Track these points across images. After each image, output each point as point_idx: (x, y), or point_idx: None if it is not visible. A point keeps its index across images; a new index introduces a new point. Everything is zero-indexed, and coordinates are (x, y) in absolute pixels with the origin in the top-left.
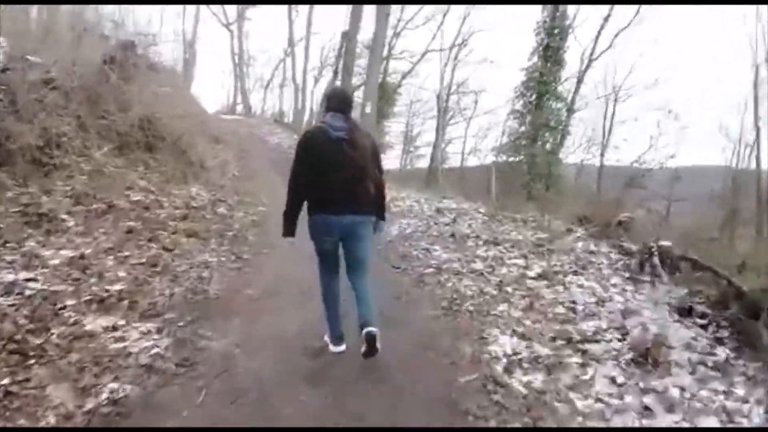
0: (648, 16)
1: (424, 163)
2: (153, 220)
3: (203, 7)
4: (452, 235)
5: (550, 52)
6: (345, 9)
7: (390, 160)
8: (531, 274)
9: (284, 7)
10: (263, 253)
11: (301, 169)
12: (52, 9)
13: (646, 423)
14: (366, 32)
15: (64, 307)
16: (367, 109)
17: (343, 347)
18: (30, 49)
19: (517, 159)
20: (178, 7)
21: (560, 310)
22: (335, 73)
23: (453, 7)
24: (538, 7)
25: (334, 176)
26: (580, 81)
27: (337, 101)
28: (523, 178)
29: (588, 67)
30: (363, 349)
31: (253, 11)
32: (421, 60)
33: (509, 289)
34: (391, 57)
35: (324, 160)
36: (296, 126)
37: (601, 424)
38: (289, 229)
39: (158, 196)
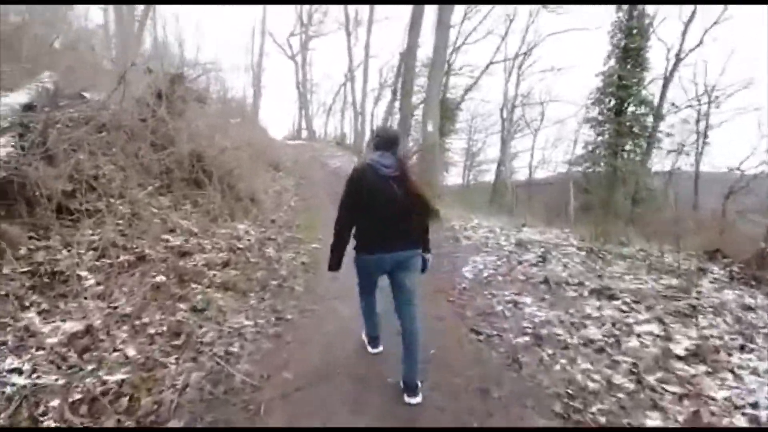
0: (737, 12)
1: (487, 177)
2: (188, 270)
3: (269, 40)
4: (545, 282)
5: (630, 53)
6: (403, 29)
7: (452, 177)
8: (677, 350)
9: (344, 35)
10: (310, 311)
11: (349, 204)
12: (130, 47)
13: None
14: (425, 50)
15: (46, 412)
16: (429, 127)
17: (380, 349)
18: (87, 85)
19: (596, 170)
20: (247, 42)
21: (742, 422)
22: (394, 93)
23: (517, 16)
24: (610, 9)
25: (384, 213)
26: (666, 83)
27: (386, 140)
28: (604, 192)
29: (675, 67)
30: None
31: (316, 42)
32: (483, 74)
33: (652, 380)
34: (450, 73)
35: (374, 196)
36: (357, 148)
37: None
38: (336, 264)
39: (200, 239)
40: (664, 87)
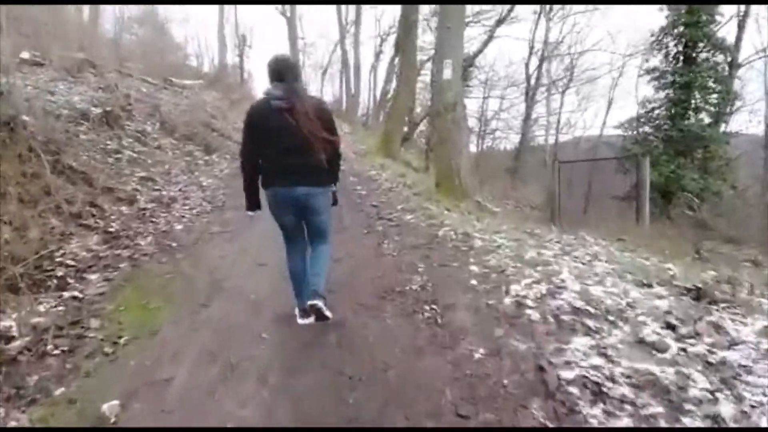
0: None
1: (503, 145)
2: None
3: None
4: None
5: None
6: None
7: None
8: None
9: None
10: None
11: (247, 142)
12: None
13: None
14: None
15: None
16: (446, 74)
17: (311, 320)
18: None
19: (658, 136)
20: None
21: None
22: (396, 47)
23: None
24: None
25: (279, 147)
26: (742, 24)
27: (276, 68)
28: (665, 167)
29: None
30: (311, 319)
31: None
32: (504, 21)
33: None
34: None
35: (267, 131)
36: (350, 115)
37: None
38: (251, 202)
39: None
40: (741, 26)
